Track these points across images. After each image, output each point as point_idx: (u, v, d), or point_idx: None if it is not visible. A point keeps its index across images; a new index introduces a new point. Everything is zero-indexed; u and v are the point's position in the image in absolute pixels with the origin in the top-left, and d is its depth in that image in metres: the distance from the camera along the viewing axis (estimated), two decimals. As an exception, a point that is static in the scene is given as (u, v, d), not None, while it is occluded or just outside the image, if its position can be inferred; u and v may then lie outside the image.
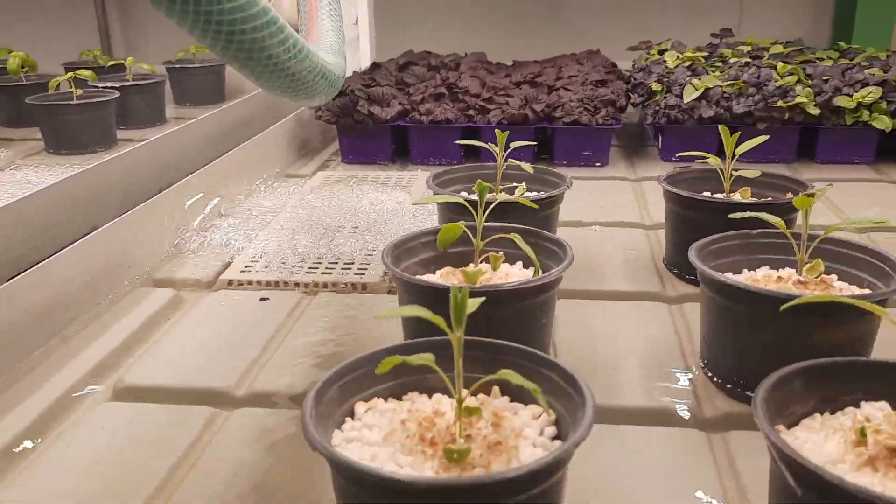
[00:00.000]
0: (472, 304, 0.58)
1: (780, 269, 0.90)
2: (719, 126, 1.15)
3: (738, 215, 0.89)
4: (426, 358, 0.59)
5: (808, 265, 0.84)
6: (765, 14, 2.87)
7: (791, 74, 1.74)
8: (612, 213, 1.43)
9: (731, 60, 1.96)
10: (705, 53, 2.05)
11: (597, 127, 1.72)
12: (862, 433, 0.57)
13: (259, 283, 1.14)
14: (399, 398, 0.66)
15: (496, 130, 1.15)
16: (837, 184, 1.59)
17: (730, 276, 0.83)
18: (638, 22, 2.80)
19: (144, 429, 0.80)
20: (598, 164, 1.76)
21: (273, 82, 0.81)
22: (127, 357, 0.95)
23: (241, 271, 1.17)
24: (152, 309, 1.06)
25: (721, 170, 1.15)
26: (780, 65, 1.80)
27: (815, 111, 1.66)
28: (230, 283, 1.15)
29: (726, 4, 2.86)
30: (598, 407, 0.56)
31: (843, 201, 1.47)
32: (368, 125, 1.77)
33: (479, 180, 1.08)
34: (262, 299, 1.10)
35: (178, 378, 0.89)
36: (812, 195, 0.83)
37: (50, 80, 1.90)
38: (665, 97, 1.76)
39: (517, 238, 0.87)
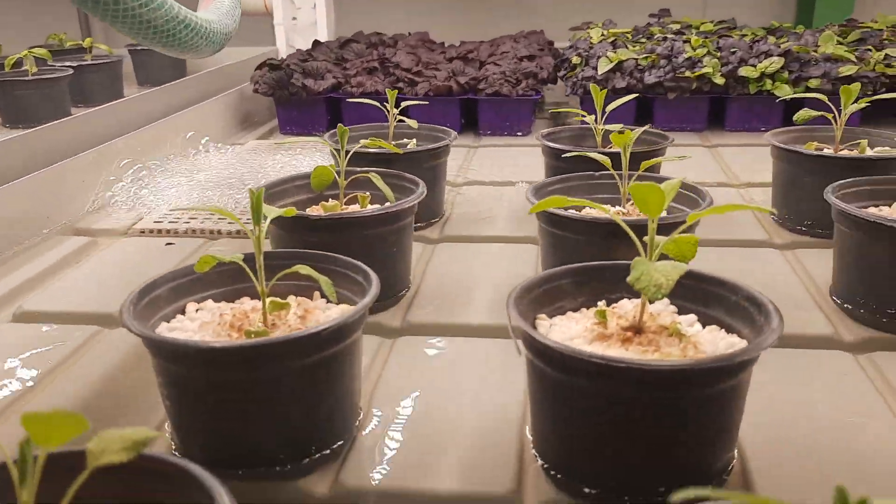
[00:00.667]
0: (272, 211, 0.69)
1: (614, 206, 0.99)
2: (591, 86, 1.24)
3: (568, 155, 0.99)
4: (236, 257, 0.69)
5: (630, 200, 0.94)
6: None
7: (702, 47, 1.84)
8: (518, 173, 1.53)
9: (656, 37, 2.05)
10: (629, 30, 2.14)
11: (517, 98, 1.81)
12: (602, 315, 0.67)
13: (168, 231, 1.24)
14: (232, 301, 0.76)
15: (387, 93, 1.24)
16: (740, 148, 1.68)
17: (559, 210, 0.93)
18: (604, 8, 2.85)
19: (33, 342, 0.90)
20: (519, 133, 1.86)
21: (131, 30, 0.90)
22: (34, 290, 1.05)
23: (155, 221, 1.27)
24: (65, 252, 1.15)
25: (594, 127, 1.25)
26: (693, 38, 1.89)
27: (720, 81, 1.75)
28: (142, 231, 1.24)
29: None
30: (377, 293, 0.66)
31: (742, 165, 1.56)
32: (302, 97, 1.86)
33: (371, 137, 1.18)
34: (167, 244, 1.20)
35: (73, 304, 0.99)
36: (623, 132, 0.93)
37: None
38: (583, 69, 1.86)
39: (375, 177, 0.96)
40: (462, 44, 2.32)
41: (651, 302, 0.67)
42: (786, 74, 1.74)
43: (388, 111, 1.25)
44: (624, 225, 0.65)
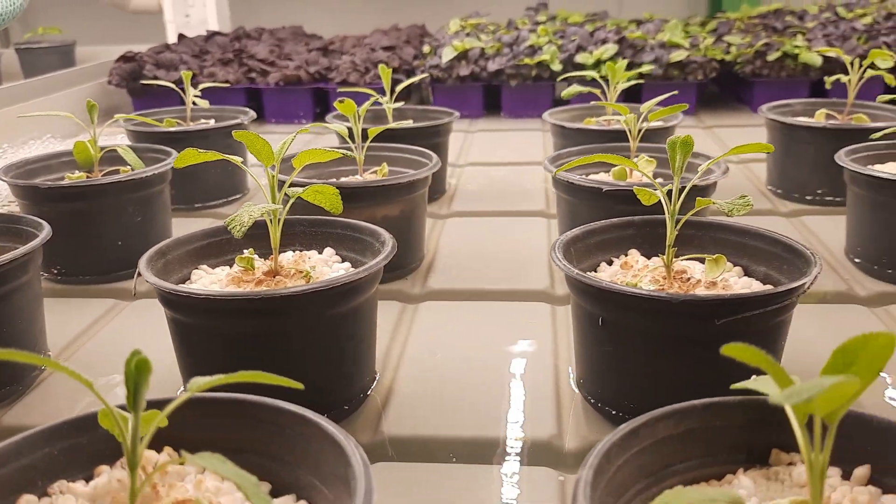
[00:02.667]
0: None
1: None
2: (380, 67, 1.27)
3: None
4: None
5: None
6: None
7: (545, 36, 1.89)
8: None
9: (518, 28, 2.10)
10: (482, 21, 2.18)
11: (365, 86, 1.85)
12: (247, 262, 0.70)
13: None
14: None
15: (184, 76, 1.27)
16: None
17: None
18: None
19: None
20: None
21: None
22: None
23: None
24: None
25: (386, 107, 1.28)
26: (540, 28, 1.95)
27: (557, 67, 1.81)
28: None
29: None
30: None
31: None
32: (154, 88, 1.89)
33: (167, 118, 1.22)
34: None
35: None
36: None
37: None
38: (431, 58, 1.90)
39: (123, 149, 0.99)
40: (343, 37, 2.37)
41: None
42: (620, 60, 1.80)
43: (184, 94, 1.28)
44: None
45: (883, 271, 0.90)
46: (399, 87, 1.29)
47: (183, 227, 1.13)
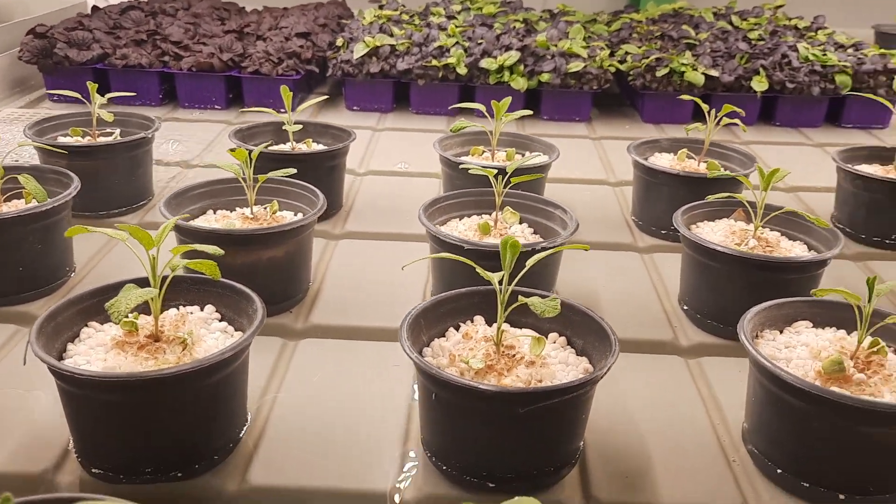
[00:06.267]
0: None
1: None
2: (282, 88, 1.34)
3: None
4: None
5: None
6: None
7: (451, 37, 1.97)
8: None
9: (431, 20, 2.17)
10: (396, 12, 2.24)
11: (276, 77, 1.90)
12: (130, 325, 0.79)
13: None
14: None
15: (89, 87, 1.32)
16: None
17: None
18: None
19: None
20: (283, 111, 1.95)
21: None
22: None
23: None
24: None
25: (286, 120, 1.36)
26: (451, 26, 2.02)
27: (463, 70, 1.89)
28: None
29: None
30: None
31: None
32: (65, 66, 1.90)
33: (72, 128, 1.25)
34: None
35: None
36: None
37: None
38: (344, 52, 1.96)
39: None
40: (252, 13, 2.38)
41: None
42: (522, 67, 1.90)
43: (91, 102, 1.32)
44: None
45: (704, 321, 1.05)
46: (300, 108, 1.37)
47: (85, 244, 1.20)
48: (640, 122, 1.97)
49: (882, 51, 1.99)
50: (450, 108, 1.85)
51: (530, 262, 0.80)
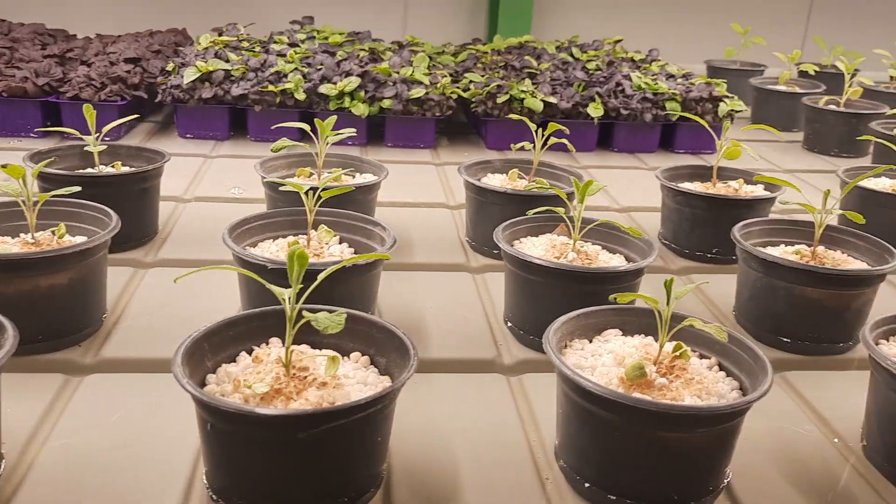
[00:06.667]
0: None
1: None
2: (84, 106, 1.23)
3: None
4: None
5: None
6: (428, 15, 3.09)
7: (290, 63, 1.91)
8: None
9: (272, 47, 2.10)
10: (236, 38, 2.17)
11: (100, 103, 1.78)
12: None
13: None
14: None
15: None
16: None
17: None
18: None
19: None
20: (107, 139, 1.83)
21: None
22: None
23: None
24: None
25: (92, 146, 1.25)
26: (290, 53, 1.96)
27: (302, 96, 1.84)
28: None
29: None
30: None
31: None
32: None
33: None
34: None
35: None
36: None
37: None
38: (174, 77, 1.86)
39: None
40: (83, 39, 2.25)
41: None
42: (363, 93, 1.86)
43: None
44: None
45: (527, 337, 1.02)
46: (105, 129, 1.27)
47: None
48: (485, 148, 1.97)
49: (708, 80, 2.09)
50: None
51: (322, 276, 0.74)
